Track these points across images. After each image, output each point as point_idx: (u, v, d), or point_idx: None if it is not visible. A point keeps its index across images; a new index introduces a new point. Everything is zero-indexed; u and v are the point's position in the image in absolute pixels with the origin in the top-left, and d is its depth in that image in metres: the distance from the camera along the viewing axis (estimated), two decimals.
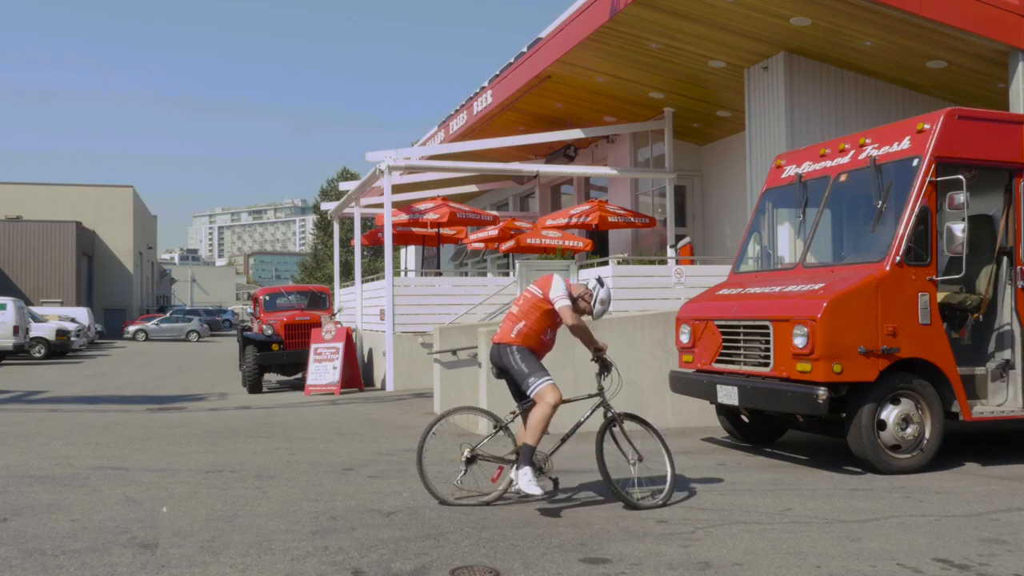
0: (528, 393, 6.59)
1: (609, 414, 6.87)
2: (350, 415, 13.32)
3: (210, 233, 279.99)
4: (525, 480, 6.31)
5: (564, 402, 6.66)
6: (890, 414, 8.04)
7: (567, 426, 7.10)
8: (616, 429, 6.86)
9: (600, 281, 6.84)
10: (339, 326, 17.25)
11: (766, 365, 8.46)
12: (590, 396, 7.00)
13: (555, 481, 6.88)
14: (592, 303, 6.78)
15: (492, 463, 6.81)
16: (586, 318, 6.87)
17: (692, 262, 16.13)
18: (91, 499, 7.03)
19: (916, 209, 8.22)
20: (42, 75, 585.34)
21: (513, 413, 6.85)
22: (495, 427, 6.88)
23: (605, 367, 6.89)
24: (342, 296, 23.45)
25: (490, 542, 5.66)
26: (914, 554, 5.44)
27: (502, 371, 6.78)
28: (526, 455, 6.43)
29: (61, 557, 5.34)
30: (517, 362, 6.59)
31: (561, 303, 6.56)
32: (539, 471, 6.62)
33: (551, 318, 6.71)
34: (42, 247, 52.85)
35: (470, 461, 6.71)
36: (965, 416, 8.22)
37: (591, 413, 6.96)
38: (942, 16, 11.35)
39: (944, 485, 7.66)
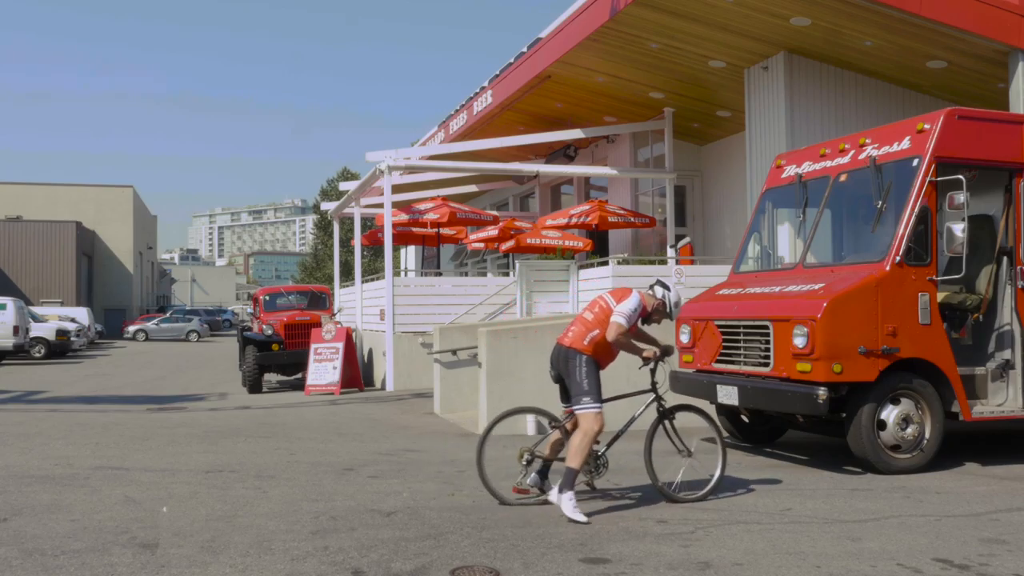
0: (575, 409, 6.62)
1: (662, 407, 6.99)
2: (350, 415, 13.32)
3: (210, 233, 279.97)
4: (569, 507, 6.25)
5: (618, 398, 6.84)
6: (890, 414, 8.04)
7: (621, 422, 7.16)
8: (667, 423, 6.99)
9: (664, 285, 6.93)
10: (339, 326, 17.25)
11: (766, 365, 8.46)
12: (642, 392, 7.12)
13: (592, 478, 6.96)
14: (668, 310, 6.89)
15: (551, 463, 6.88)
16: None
17: (692, 262, 16.12)
18: (91, 499, 7.03)
19: (916, 209, 8.22)
20: (42, 75, 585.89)
21: (569, 412, 6.86)
22: (552, 426, 6.93)
23: (658, 362, 7.00)
24: (342, 296, 23.45)
25: (490, 542, 5.66)
26: (914, 554, 5.44)
27: (561, 374, 6.79)
28: (569, 479, 6.35)
29: (61, 557, 5.34)
30: (582, 374, 6.56)
31: (616, 319, 6.56)
32: (592, 471, 6.79)
33: None
34: (42, 247, 52.83)
35: (529, 462, 6.80)
36: (965, 416, 8.22)
37: (645, 408, 7.08)
38: (942, 16, 11.34)
39: (944, 485, 7.67)
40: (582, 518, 6.21)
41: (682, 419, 7.09)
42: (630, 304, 6.63)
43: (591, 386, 6.54)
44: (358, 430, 11.54)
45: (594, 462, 6.81)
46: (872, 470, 8.07)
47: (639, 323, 6.80)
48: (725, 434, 7.09)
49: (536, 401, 11.07)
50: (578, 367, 6.57)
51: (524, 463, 6.79)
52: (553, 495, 6.43)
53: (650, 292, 6.86)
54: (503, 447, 9.97)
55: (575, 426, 6.69)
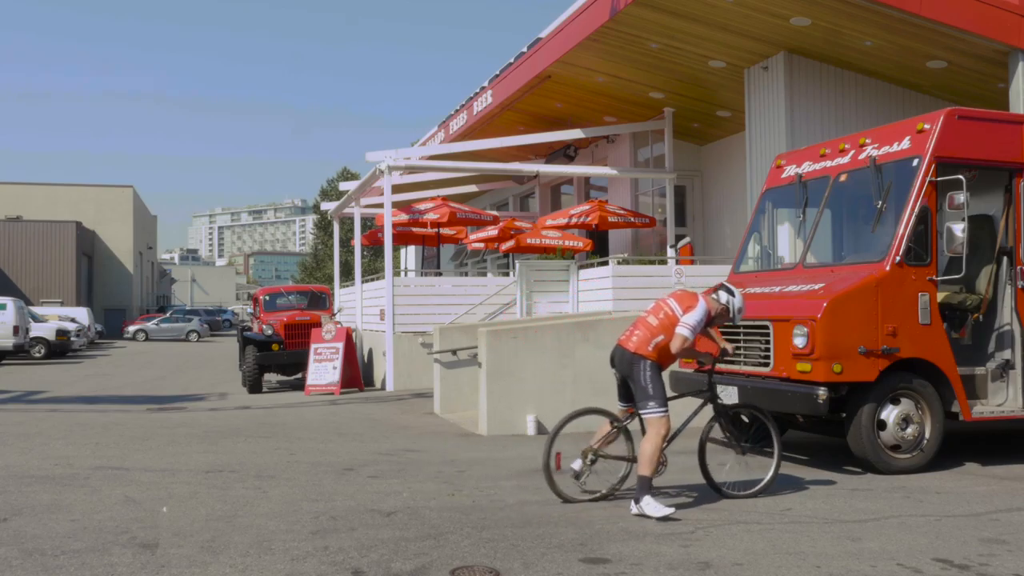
0: (642, 414, 6.68)
1: (719, 406, 7.11)
2: (350, 415, 13.32)
3: (210, 233, 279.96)
4: (652, 508, 6.33)
5: (678, 398, 6.92)
6: (890, 414, 8.04)
7: (677, 421, 7.17)
8: (724, 420, 7.11)
9: (729, 290, 6.97)
10: (339, 326, 17.25)
11: (766, 365, 8.46)
12: (700, 392, 7.23)
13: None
14: (732, 315, 6.93)
15: (614, 462, 6.99)
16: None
17: (692, 262, 16.12)
18: (91, 499, 7.03)
19: (916, 209, 8.22)
20: (42, 75, 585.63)
21: (632, 412, 6.95)
22: (613, 426, 6.99)
23: (714, 363, 7.13)
24: (342, 296, 23.45)
25: (490, 542, 5.66)
26: (914, 554, 5.44)
27: (625, 377, 6.84)
28: (644, 486, 6.45)
29: (61, 557, 5.34)
30: (647, 379, 6.61)
31: (681, 330, 6.60)
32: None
33: None
34: (42, 247, 52.83)
35: (593, 462, 6.89)
36: (965, 416, 8.22)
37: (701, 407, 7.20)
38: (942, 16, 11.34)
39: (944, 485, 7.67)
40: (670, 511, 6.34)
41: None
42: (696, 315, 6.66)
43: (656, 391, 6.61)
44: (358, 430, 11.54)
45: (656, 472, 6.85)
46: (872, 470, 8.07)
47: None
48: (781, 433, 7.18)
49: (535, 400, 11.13)
50: (642, 372, 6.63)
51: (588, 462, 6.91)
52: (634, 509, 6.45)
53: (715, 297, 6.92)
54: (503, 447, 9.98)
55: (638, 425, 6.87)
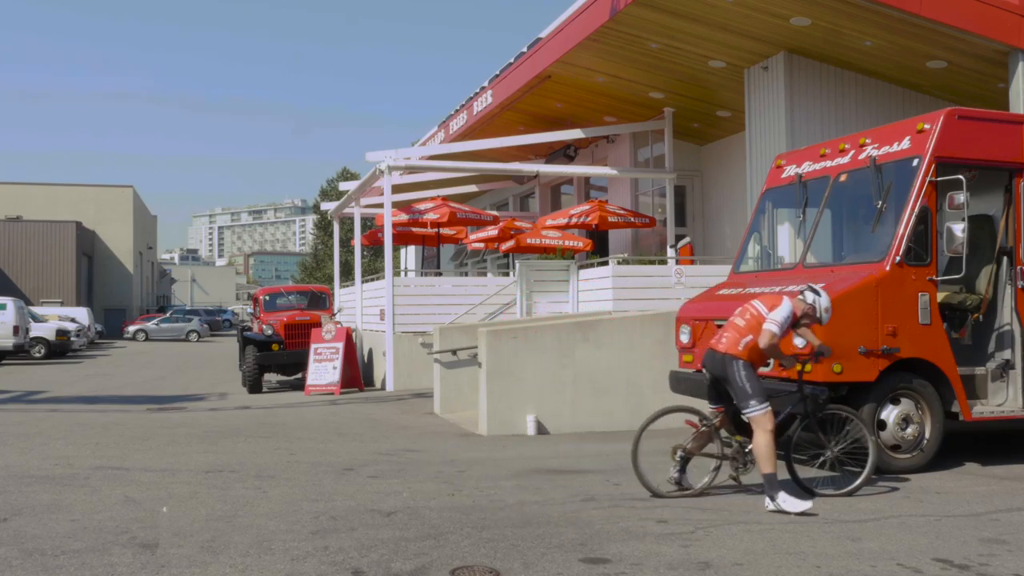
0: (744, 413, 6.81)
1: (810, 405, 7.18)
2: (350, 415, 13.33)
3: (210, 233, 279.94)
4: (789, 503, 6.48)
5: (770, 398, 6.95)
6: (890, 414, 8.04)
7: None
8: (815, 419, 7.19)
9: (815, 291, 7.07)
10: (339, 326, 17.25)
11: (766, 365, 8.45)
12: (791, 392, 7.29)
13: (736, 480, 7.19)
14: (818, 315, 7.01)
15: (704, 460, 7.16)
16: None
17: (692, 262, 16.11)
18: (91, 499, 7.03)
19: (916, 209, 8.22)
20: (42, 75, 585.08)
21: (721, 412, 7.10)
22: (703, 425, 7.11)
23: (804, 364, 7.22)
24: (342, 296, 23.45)
25: (490, 542, 5.66)
26: (914, 554, 5.45)
27: (718, 379, 6.99)
28: (773, 483, 6.59)
29: (61, 557, 5.34)
30: (742, 379, 6.75)
31: (768, 327, 6.76)
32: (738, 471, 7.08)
33: None
34: (42, 247, 52.82)
35: (682, 459, 7.07)
36: (965, 416, 8.22)
37: (791, 406, 7.25)
38: (942, 16, 11.34)
39: (944, 485, 7.67)
40: (807, 504, 6.46)
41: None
42: (783, 312, 6.81)
43: (754, 389, 6.74)
44: (358, 430, 11.54)
45: (742, 457, 7.06)
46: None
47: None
48: (874, 435, 7.35)
49: (535, 400, 11.13)
50: (736, 372, 6.77)
51: (678, 459, 7.08)
52: (769, 506, 6.56)
53: (801, 297, 7.02)
54: (503, 447, 9.98)
55: (723, 424, 7.09)
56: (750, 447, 6.90)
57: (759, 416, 6.68)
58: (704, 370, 7.15)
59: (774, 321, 6.75)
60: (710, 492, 7.09)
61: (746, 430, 6.93)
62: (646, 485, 7.04)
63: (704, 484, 7.11)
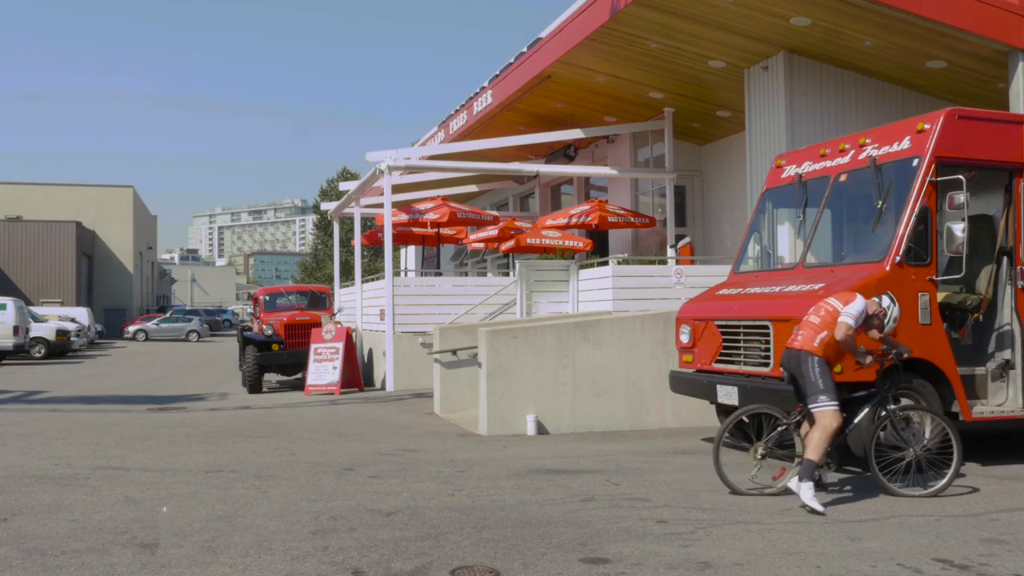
0: (811, 407, 6.92)
1: (889, 405, 7.27)
2: (350, 415, 13.32)
3: (210, 233, 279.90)
4: (808, 495, 6.59)
5: (845, 398, 7.09)
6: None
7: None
8: (895, 418, 7.26)
9: (892, 298, 7.25)
10: (339, 326, 17.25)
11: (766, 365, 8.46)
12: (869, 391, 7.38)
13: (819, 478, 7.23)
14: (886, 321, 7.16)
15: (782, 459, 7.28)
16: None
17: (692, 262, 16.11)
18: (91, 499, 7.03)
19: (916, 209, 8.22)
20: (43, 75, 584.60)
21: (801, 410, 7.16)
22: (784, 423, 7.20)
23: (881, 363, 7.29)
24: (342, 296, 23.44)
25: (490, 542, 5.66)
26: (914, 554, 5.44)
27: (794, 376, 7.10)
28: (808, 470, 6.70)
29: (61, 557, 5.34)
30: (816, 374, 6.89)
31: (844, 319, 6.89)
32: (819, 480, 7.08)
33: None
34: (42, 247, 52.82)
35: (763, 457, 7.15)
36: (965, 416, 8.22)
37: (868, 406, 7.34)
38: (942, 16, 11.34)
39: None
40: (819, 507, 6.51)
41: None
42: (857, 306, 6.94)
43: (826, 385, 6.87)
44: (358, 430, 11.54)
45: (824, 459, 7.09)
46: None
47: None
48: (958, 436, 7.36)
49: (535, 400, 11.14)
50: (811, 368, 6.91)
51: (759, 457, 7.15)
52: (793, 483, 6.75)
53: (876, 300, 7.18)
54: (502, 447, 9.98)
55: (802, 423, 7.14)
56: (831, 448, 7.00)
57: (826, 411, 6.83)
58: (782, 369, 7.30)
59: (849, 314, 6.89)
60: (748, 492, 7.14)
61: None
62: (726, 482, 7.16)
63: (784, 483, 7.17)
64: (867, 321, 7.03)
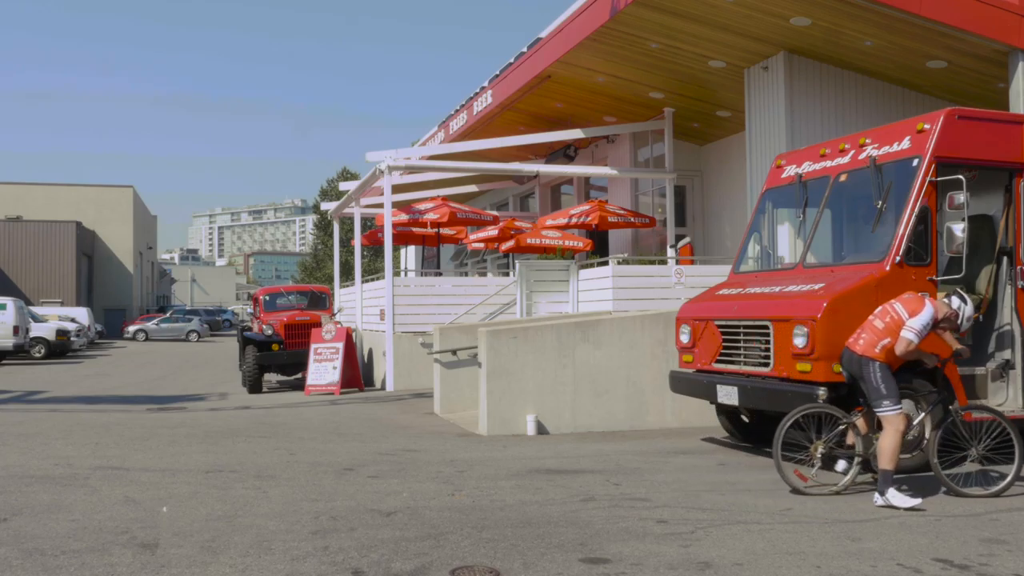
0: (877, 412, 6.97)
1: (951, 406, 7.28)
2: (350, 415, 13.32)
3: (210, 233, 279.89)
4: (899, 499, 6.67)
5: (905, 397, 7.11)
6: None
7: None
8: (956, 420, 7.27)
9: (962, 297, 7.18)
10: (339, 326, 17.25)
11: (766, 365, 8.46)
12: (930, 392, 7.45)
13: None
14: (959, 321, 7.13)
15: (843, 458, 7.35)
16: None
17: (692, 262, 16.11)
18: (91, 499, 7.03)
19: (916, 209, 8.22)
20: (42, 75, 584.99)
21: (860, 410, 7.26)
22: (843, 423, 7.26)
23: (945, 364, 7.32)
24: (342, 296, 23.44)
25: (490, 542, 5.66)
26: (914, 554, 5.44)
27: (855, 378, 7.14)
28: (886, 479, 6.77)
29: (61, 557, 5.34)
30: (877, 380, 6.91)
31: (906, 334, 6.89)
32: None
33: None
34: (42, 247, 52.82)
35: (824, 456, 7.22)
36: (965, 417, 8.20)
37: (932, 408, 7.40)
38: (942, 16, 11.34)
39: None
40: (915, 501, 6.60)
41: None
42: (923, 319, 6.91)
43: (889, 390, 6.89)
44: (358, 430, 11.54)
45: (897, 464, 7.12)
46: (872, 470, 8.05)
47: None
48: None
49: (535, 400, 11.13)
50: (872, 373, 6.93)
51: (818, 456, 7.22)
52: (879, 500, 6.75)
53: (945, 301, 7.13)
54: (503, 447, 9.98)
55: (861, 422, 7.22)
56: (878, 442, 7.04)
57: (892, 416, 6.85)
58: (841, 369, 7.33)
59: (912, 329, 6.87)
60: (851, 491, 7.20)
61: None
62: (787, 481, 7.20)
63: (845, 482, 7.24)
64: (938, 324, 7.03)
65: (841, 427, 7.24)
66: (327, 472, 8.28)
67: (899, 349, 6.87)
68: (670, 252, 17.29)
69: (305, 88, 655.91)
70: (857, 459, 7.25)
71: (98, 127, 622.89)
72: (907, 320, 6.90)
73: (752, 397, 8.56)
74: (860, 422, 7.25)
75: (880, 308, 7.18)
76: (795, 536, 5.86)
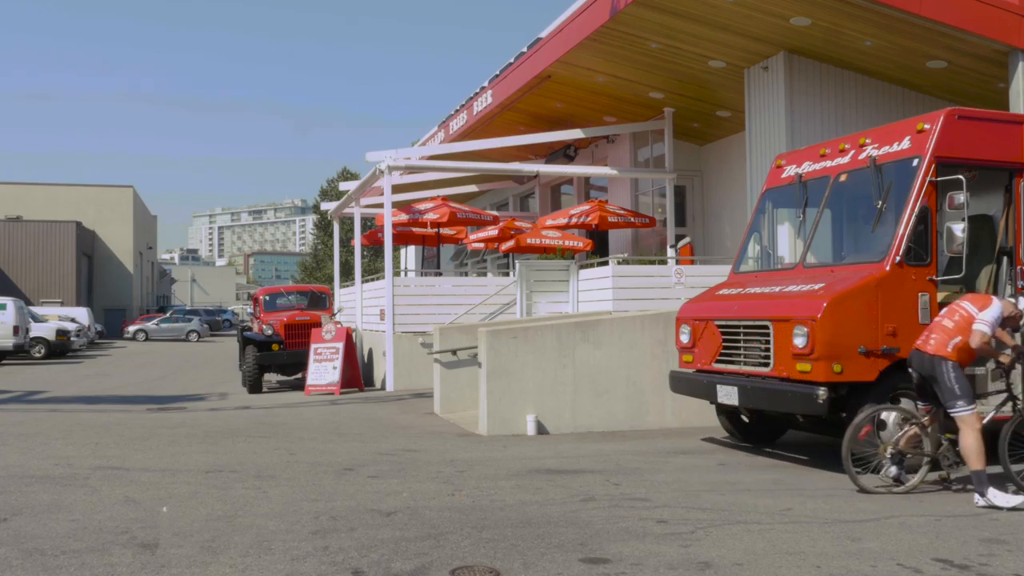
0: (951, 412, 7.00)
1: (1019, 406, 7.34)
2: (350, 415, 13.32)
3: (210, 233, 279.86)
4: (1000, 499, 6.71)
5: (979, 396, 7.21)
6: (890, 414, 8.03)
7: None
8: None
9: None
10: (339, 326, 17.25)
11: (766, 365, 8.46)
12: (998, 392, 7.52)
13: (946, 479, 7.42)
14: (1023, 323, 7.24)
15: (914, 458, 7.40)
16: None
17: (692, 262, 16.11)
18: (91, 499, 7.03)
19: (916, 209, 8.22)
20: (42, 75, 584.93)
21: (929, 411, 7.30)
22: (912, 423, 7.33)
23: (1013, 366, 7.32)
24: (342, 296, 23.44)
25: (490, 542, 5.66)
26: (914, 554, 5.44)
27: (926, 378, 7.16)
28: (981, 480, 6.79)
29: (61, 557, 5.34)
30: (951, 379, 6.95)
31: (979, 326, 6.94)
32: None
33: None
34: (42, 247, 52.81)
35: (893, 456, 7.31)
36: None
37: (999, 407, 7.43)
38: (942, 16, 11.34)
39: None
40: (1020, 500, 6.64)
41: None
42: (993, 312, 6.98)
43: (963, 390, 6.94)
44: (358, 430, 11.54)
45: (951, 455, 7.23)
46: (872, 470, 8.05)
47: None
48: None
49: (535, 400, 11.13)
50: (946, 373, 6.97)
51: (888, 456, 7.33)
52: (980, 502, 6.76)
53: (1012, 300, 7.26)
54: (502, 447, 9.98)
55: (932, 422, 7.29)
56: (959, 445, 7.05)
57: (967, 416, 6.87)
58: (910, 369, 7.34)
59: (984, 321, 6.92)
60: (922, 490, 7.24)
61: (955, 428, 7.07)
62: (855, 481, 7.22)
63: (915, 482, 7.27)
64: (1003, 323, 7.08)
65: (912, 427, 7.31)
66: (327, 472, 8.28)
67: (975, 342, 6.91)
68: (670, 252, 17.29)
69: (305, 88, 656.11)
70: (926, 459, 7.31)
71: (98, 127, 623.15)
72: (978, 315, 6.97)
73: (752, 397, 8.56)
74: (930, 421, 7.32)
75: (946, 308, 7.30)
76: (795, 536, 5.86)
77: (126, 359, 31.54)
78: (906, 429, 7.35)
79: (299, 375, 18.86)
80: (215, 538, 5.78)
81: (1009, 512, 6.60)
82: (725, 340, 9.07)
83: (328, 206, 29.13)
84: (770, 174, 10.39)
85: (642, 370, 11.44)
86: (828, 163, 9.40)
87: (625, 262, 16.45)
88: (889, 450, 7.30)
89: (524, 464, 8.72)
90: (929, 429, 7.29)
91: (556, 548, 5.52)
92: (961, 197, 7.98)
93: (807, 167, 9.65)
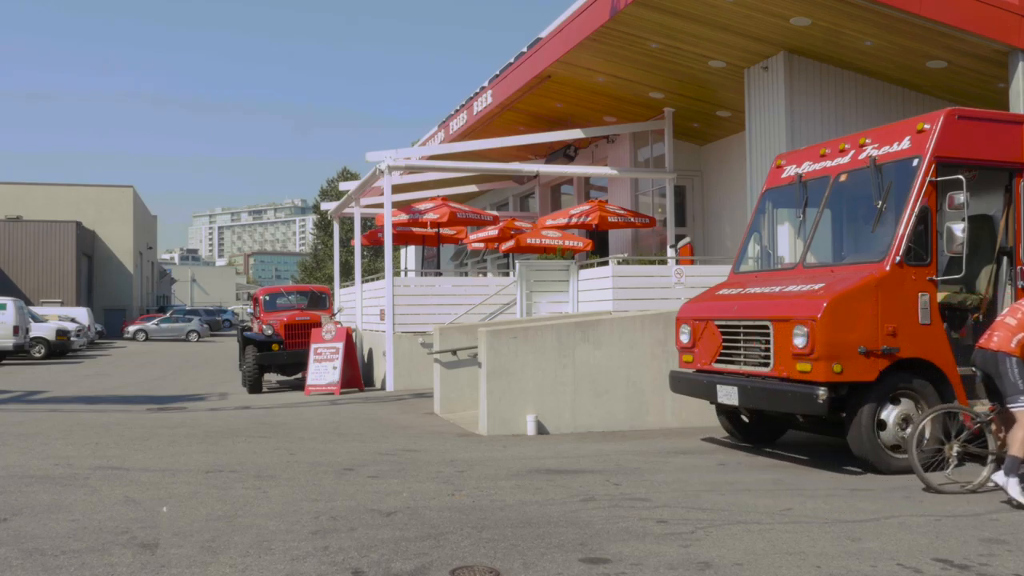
0: (1011, 407, 7.07)
1: None
2: (350, 415, 13.32)
3: (210, 233, 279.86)
4: (1016, 490, 6.77)
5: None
6: (890, 414, 8.04)
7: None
8: None
9: None
10: (339, 326, 17.25)
11: (766, 365, 8.46)
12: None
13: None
14: None
15: (978, 457, 7.52)
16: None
17: (692, 262, 16.11)
18: (91, 499, 7.03)
19: (916, 209, 8.22)
20: (42, 75, 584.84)
21: (994, 410, 7.35)
22: (977, 422, 7.40)
23: None
24: (342, 296, 23.44)
25: (490, 542, 5.66)
26: (914, 554, 5.44)
27: (989, 375, 7.25)
28: (1013, 466, 6.85)
29: (61, 557, 5.34)
30: (1015, 375, 7.05)
31: None
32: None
33: None
34: (42, 247, 52.82)
35: (960, 454, 7.42)
36: (965, 417, 8.21)
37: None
38: (942, 16, 11.34)
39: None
40: None
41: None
42: None
43: None
44: (358, 430, 11.54)
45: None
46: (872, 470, 8.07)
47: None
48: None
49: (535, 400, 11.13)
50: (1010, 368, 7.06)
51: (955, 455, 7.42)
52: (999, 478, 6.89)
53: None
54: (502, 447, 9.98)
55: (995, 422, 7.34)
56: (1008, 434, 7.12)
57: None
58: (974, 368, 7.41)
59: None
60: (987, 489, 7.22)
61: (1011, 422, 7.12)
62: (922, 479, 7.30)
63: (980, 481, 7.29)
64: None
65: (977, 426, 7.37)
66: (327, 472, 8.29)
67: None
68: (670, 252, 17.29)
69: (305, 88, 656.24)
70: (991, 457, 7.34)
71: (98, 127, 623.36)
72: None
73: (752, 397, 8.56)
74: (994, 420, 7.37)
75: (1009, 307, 7.46)
76: (795, 536, 5.86)
77: (126, 359, 31.54)
78: (972, 429, 7.43)
79: (299, 375, 18.86)
80: (215, 538, 5.78)
81: (1010, 512, 6.60)
82: (725, 340, 9.07)
83: (328, 206, 29.13)
84: (770, 174, 10.39)
85: (642, 370, 11.44)
86: (828, 163, 9.40)
87: (625, 262, 16.45)
88: (955, 449, 7.38)
89: (524, 464, 8.72)
90: (993, 427, 7.35)
91: (556, 548, 5.52)
92: (961, 197, 7.98)
93: (807, 167, 9.65)
